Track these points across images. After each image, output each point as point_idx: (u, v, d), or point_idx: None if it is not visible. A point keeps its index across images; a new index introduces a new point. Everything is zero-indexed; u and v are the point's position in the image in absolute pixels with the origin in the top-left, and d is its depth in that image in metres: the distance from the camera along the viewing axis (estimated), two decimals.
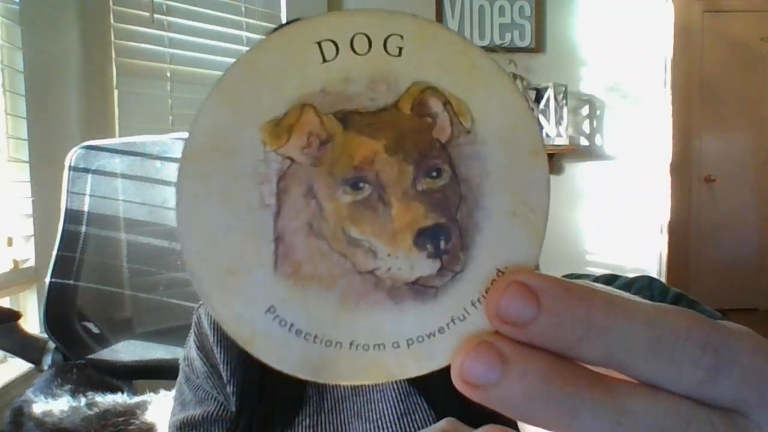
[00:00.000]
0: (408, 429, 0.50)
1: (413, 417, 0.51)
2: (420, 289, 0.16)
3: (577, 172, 2.42)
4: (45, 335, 1.06)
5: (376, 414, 0.51)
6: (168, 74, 1.65)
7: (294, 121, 0.16)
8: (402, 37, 0.16)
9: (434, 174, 0.16)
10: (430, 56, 0.16)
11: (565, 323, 0.14)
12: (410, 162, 0.16)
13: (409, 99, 0.16)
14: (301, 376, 0.16)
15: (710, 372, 0.14)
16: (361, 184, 0.16)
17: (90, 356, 1.08)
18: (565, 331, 0.14)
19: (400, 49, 0.16)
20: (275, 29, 0.17)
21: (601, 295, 0.15)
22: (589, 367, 0.15)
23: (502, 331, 0.15)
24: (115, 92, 1.55)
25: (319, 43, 0.16)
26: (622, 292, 0.17)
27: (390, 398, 0.52)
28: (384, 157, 0.16)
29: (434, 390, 0.50)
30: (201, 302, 0.59)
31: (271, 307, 0.16)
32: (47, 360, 1.06)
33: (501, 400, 0.14)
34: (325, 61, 0.16)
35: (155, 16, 1.61)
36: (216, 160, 0.16)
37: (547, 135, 2.28)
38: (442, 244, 0.16)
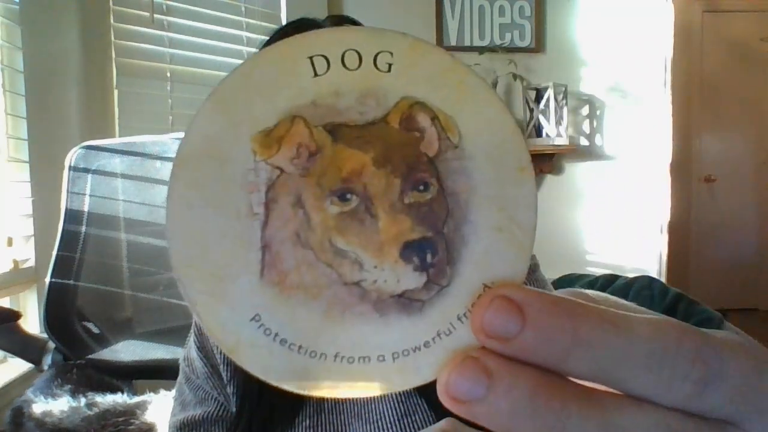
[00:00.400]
0: (408, 430, 0.50)
1: (413, 418, 0.51)
2: (406, 302, 0.16)
3: (577, 172, 2.43)
4: (45, 335, 1.06)
5: (376, 415, 0.51)
6: (168, 74, 1.65)
7: (284, 132, 0.16)
8: (392, 54, 0.16)
9: (421, 188, 0.16)
10: (418, 73, 0.16)
11: (551, 337, 0.14)
12: (398, 175, 0.16)
13: (397, 113, 0.16)
14: (285, 387, 0.16)
15: (699, 385, 0.14)
16: (348, 196, 0.16)
17: (90, 356, 1.08)
18: (551, 346, 0.14)
19: (390, 65, 0.16)
20: (271, 38, 0.17)
21: (588, 308, 0.14)
22: (577, 381, 0.15)
23: (488, 345, 0.15)
24: (115, 92, 1.55)
25: (311, 58, 0.16)
26: (617, 299, 0.17)
27: (390, 399, 0.52)
28: (372, 169, 0.16)
29: (434, 391, 0.50)
30: None
31: (257, 315, 0.16)
32: (47, 360, 1.06)
33: (487, 415, 0.14)
34: (316, 75, 0.16)
35: (155, 16, 1.61)
36: (207, 167, 0.16)
37: (547, 135, 2.28)
38: (429, 258, 0.16)
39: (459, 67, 0.17)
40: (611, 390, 0.15)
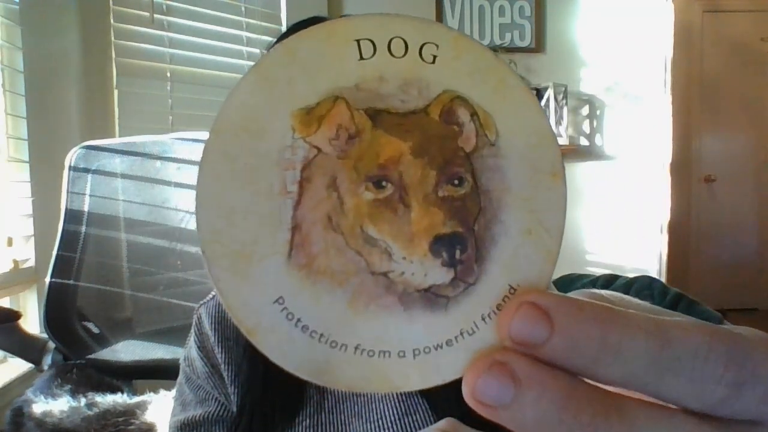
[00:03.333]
0: (408, 429, 0.50)
1: (414, 417, 0.51)
2: (431, 297, 0.16)
3: (577, 172, 2.42)
4: (45, 335, 1.06)
5: (376, 414, 0.51)
6: (168, 74, 1.65)
7: (325, 111, 0.16)
8: (437, 46, 0.16)
9: (456, 182, 0.16)
10: (462, 68, 0.16)
11: (580, 344, 0.14)
12: (434, 167, 0.16)
13: (438, 105, 0.16)
14: (302, 375, 0.16)
15: (733, 388, 0.14)
16: (384, 183, 0.16)
17: (90, 356, 1.08)
18: (580, 352, 0.14)
19: (435, 57, 0.16)
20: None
21: (616, 313, 0.14)
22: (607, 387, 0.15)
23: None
24: (115, 92, 1.55)
25: (358, 41, 0.16)
26: (631, 298, 0.17)
27: (391, 398, 0.52)
28: (409, 158, 0.16)
29: (435, 391, 0.50)
30: (201, 302, 0.59)
31: (280, 297, 0.16)
32: (47, 360, 1.06)
33: (513, 420, 0.14)
34: (362, 58, 0.16)
35: (155, 16, 1.61)
36: (243, 140, 0.16)
37: None
38: (458, 254, 0.16)
39: (501, 66, 0.17)
40: (642, 397, 0.15)
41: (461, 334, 0.16)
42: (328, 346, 0.16)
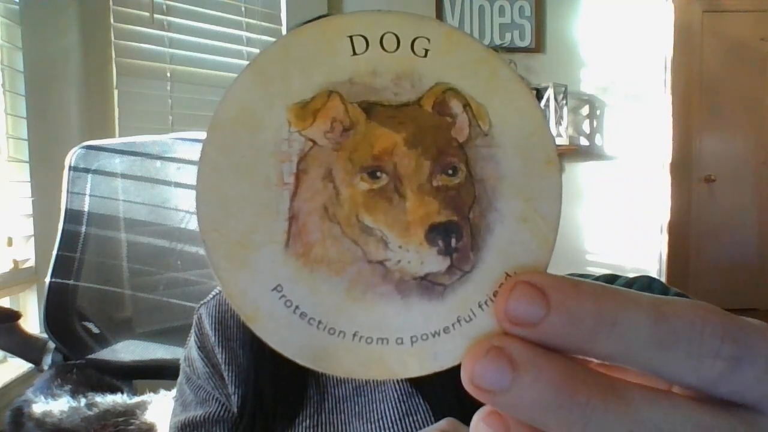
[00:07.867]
0: (409, 430, 0.50)
1: (414, 418, 0.51)
2: (428, 285, 0.16)
3: (577, 172, 2.42)
4: (45, 335, 1.06)
5: (377, 414, 0.51)
6: (168, 74, 1.65)
7: (320, 105, 0.16)
8: (429, 40, 0.17)
9: (450, 171, 0.17)
10: (453, 60, 0.17)
11: (577, 319, 0.14)
12: (428, 157, 0.17)
13: (431, 97, 0.17)
14: (300, 361, 0.16)
15: (731, 362, 0.14)
16: (378, 173, 0.16)
17: (90, 356, 1.08)
18: (577, 329, 0.14)
19: (426, 51, 0.17)
20: (309, 21, 0.17)
21: (610, 289, 0.14)
22: (606, 367, 0.15)
23: (514, 332, 0.15)
24: (115, 92, 1.55)
25: (350, 37, 0.17)
26: (637, 292, 0.17)
27: (391, 399, 0.52)
28: (403, 149, 0.16)
29: (435, 391, 0.50)
30: (202, 302, 0.59)
31: (278, 285, 0.16)
32: (47, 360, 1.06)
33: (511, 405, 0.14)
34: (355, 53, 0.17)
35: (155, 16, 1.61)
36: (241, 134, 0.16)
37: None
38: (453, 242, 0.16)
39: (493, 58, 0.17)
40: (641, 382, 0.15)
41: (458, 321, 0.16)
42: (327, 332, 0.16)
